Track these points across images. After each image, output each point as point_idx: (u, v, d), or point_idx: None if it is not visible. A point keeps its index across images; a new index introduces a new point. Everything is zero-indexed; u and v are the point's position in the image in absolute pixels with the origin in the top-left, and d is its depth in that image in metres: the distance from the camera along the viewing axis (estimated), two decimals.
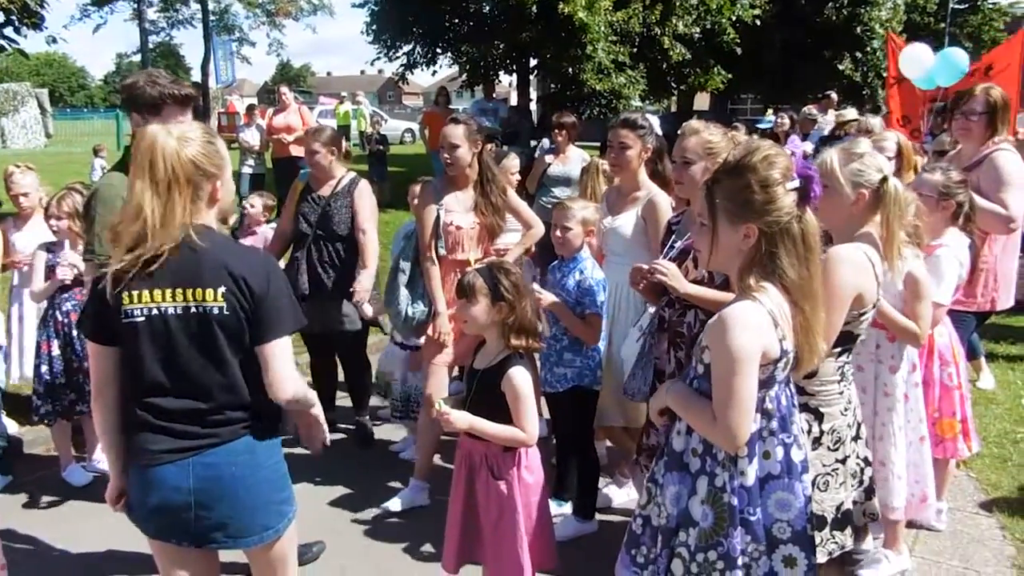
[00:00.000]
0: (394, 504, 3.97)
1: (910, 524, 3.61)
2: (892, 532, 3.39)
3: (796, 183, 2.07)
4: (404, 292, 4.03)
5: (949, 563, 3.51)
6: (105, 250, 2.81)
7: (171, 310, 2.13)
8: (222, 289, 2.14)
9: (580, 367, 3.57)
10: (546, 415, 3.79)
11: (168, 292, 2.12)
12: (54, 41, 15.25)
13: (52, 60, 77.60)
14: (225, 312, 2.14)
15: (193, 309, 2.14)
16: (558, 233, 3.58)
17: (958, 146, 4.59)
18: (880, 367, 3.19)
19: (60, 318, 4.19)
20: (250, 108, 14.51)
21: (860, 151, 2.74)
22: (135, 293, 2.12)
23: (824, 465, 2.61)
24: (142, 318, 2.13)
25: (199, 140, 2.17)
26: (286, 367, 2.24)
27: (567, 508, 3.84)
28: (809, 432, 2.59)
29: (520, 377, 2.70)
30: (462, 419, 2.69)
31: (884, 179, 2.61)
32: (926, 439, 3.37)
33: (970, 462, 4.36)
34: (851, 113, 8.85)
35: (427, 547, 3.65)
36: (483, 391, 2.77)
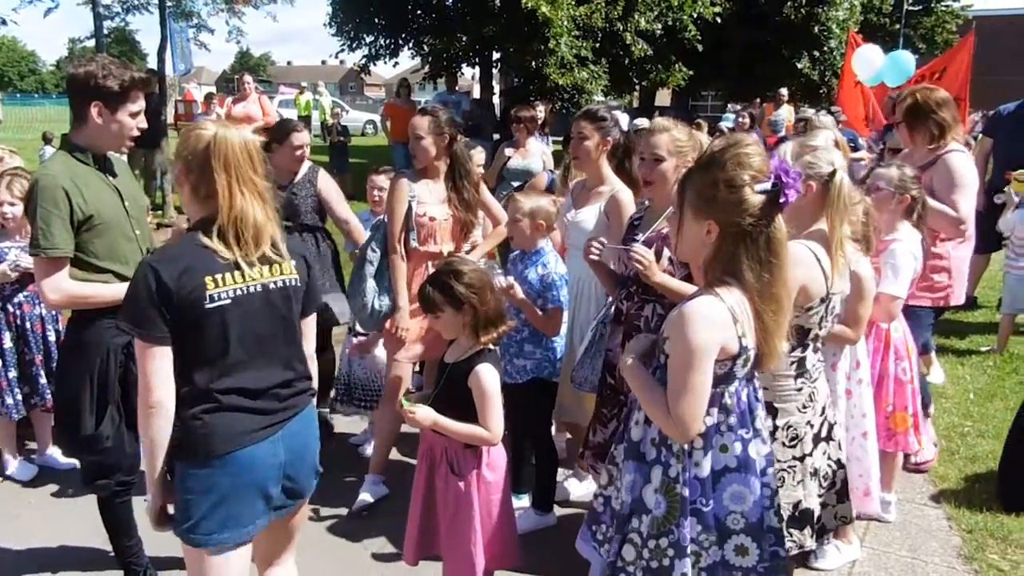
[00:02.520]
0: (363, 502, 3.91)
1: (859, 516, 3.69)
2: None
3: (766, 185, 2.06)
4: (371, 284, 3.93)
5: (898, 553, 3.60)
6: (51, 243, 2.75)
7: (253, 288, 2.22)
8: (294, 262, 2.33)
9: (540, 359, 3.59)
10: None
11: (245, 272, 2.21)
12: (3, 24, 14.82)
13: (1, 44, 75.53)
14: (298, 284, 2.33)
15: (272, 284, 2.26)
16: (509, 225, 3.61)
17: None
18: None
19: (12, 310, 4.09)
20: (208, 96, 14.27)
21: (814, 144, 2.80)
22: (219, 277, 2.16)
23: (779, 461, 2.64)
24: (228, 300, 2.17)
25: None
26: (314, 337, 2.50)
27: (525, 501, 3.86)
28: None
29: (487, 375, 2.70)
30: (427, 417, 2.68)
31: (833, 172, 2.65)
32: (869, 434, 3.44)
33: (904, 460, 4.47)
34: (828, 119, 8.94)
35: (383, 541, 3.65)
36: (450, 385, 2.76)
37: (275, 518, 2.36)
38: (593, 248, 3.15)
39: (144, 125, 2.96)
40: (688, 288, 2.88)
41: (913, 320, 4.21)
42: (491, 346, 2.78)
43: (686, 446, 2.17)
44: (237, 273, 2.18)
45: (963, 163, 4.20)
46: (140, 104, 2.90)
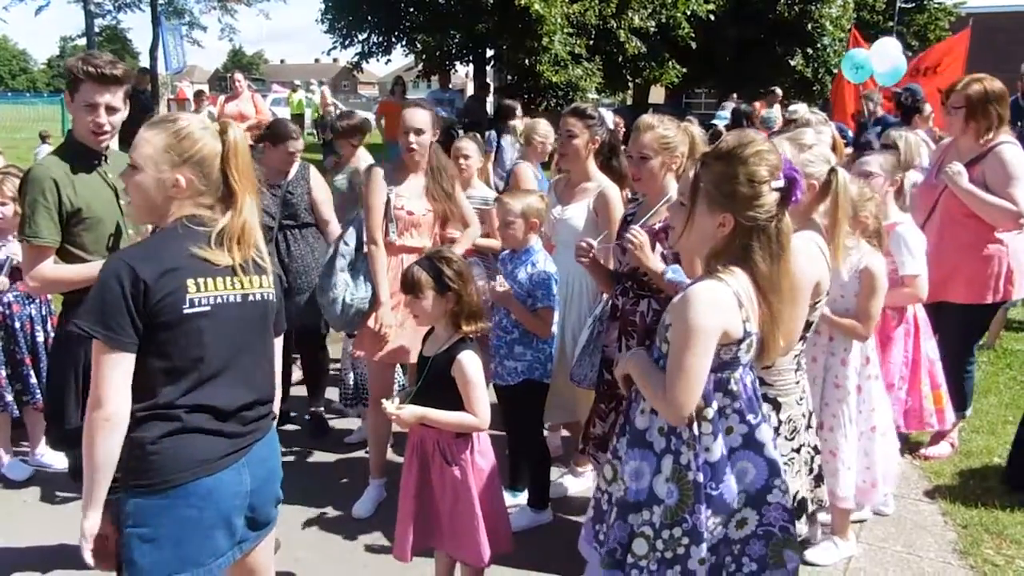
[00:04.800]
0: (361, 510, 3.88)
1: (862, 507, 3.70)
2: (841, 520, 3.47)
3: (781, 183, 2.09)
4: (342, 277, 3.76)
5: (893, 548, 3.60)
6: (33, 231, 2.77)
7: (232, 298, 2.07)
8: (271, 277, 2.19)
9: (531, 360, 3.56)
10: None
11: (228, 279, 2.06)
12: None
13: None
14: (273, 298, 2.20)
15: (251, 297, 2.11)
16: (501, 228, 3.59)
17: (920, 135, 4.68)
18: (832, 359, 3.25)
19: (2, 309, 4.07)
20: (198, 94, 14.18)
21: (809, 142, 2.79)
22: (201, 281, 2.00)
23: (781, 455, 2.65)
24: (208, 307, 2.01)
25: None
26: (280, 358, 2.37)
27: (522, 499, 3.85)
28: (768, 422, 2.63)
29: (470, 362, 2.72)
30: (412, 414, 2.70)
31: (832, 170, 2.65)
32: (878, 428, 3.44)
33: (914, 449, 4.49)
34: (802, 109, 8.99)
35: (378, 536, 3.64)
36: (433, 377, 2.77)
37: (238, 554, 2.18)
38: (580, 249, 3.17)
39: (102, 121, 2.83)
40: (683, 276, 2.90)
41: (972, 321, 4.26)
42: (470, 337, 2.80)
43: (696, 432, 2.16)
44: (219, 279, 2.04)
45: (1016, 155, 4.08)
46: (92, 98, 2.79)
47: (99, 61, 2.80)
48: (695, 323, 2.04)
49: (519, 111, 9.08)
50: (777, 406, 2.66)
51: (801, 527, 2.72)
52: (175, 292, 1.95)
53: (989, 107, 4.09)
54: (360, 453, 4.58)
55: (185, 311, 1.97)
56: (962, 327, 4.25)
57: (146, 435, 1.96)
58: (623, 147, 4.05)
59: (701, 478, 2.16)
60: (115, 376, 1.91)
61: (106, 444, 1.91)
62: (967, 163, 4.11)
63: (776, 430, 2.65)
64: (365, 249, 3.81)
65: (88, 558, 2.03)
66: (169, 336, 1.96)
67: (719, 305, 2.06)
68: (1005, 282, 4.22)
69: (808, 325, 2.67)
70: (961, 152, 4.23)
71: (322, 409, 4.89)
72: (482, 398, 2.74)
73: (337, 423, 4.95)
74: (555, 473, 4.03)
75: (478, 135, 5.19)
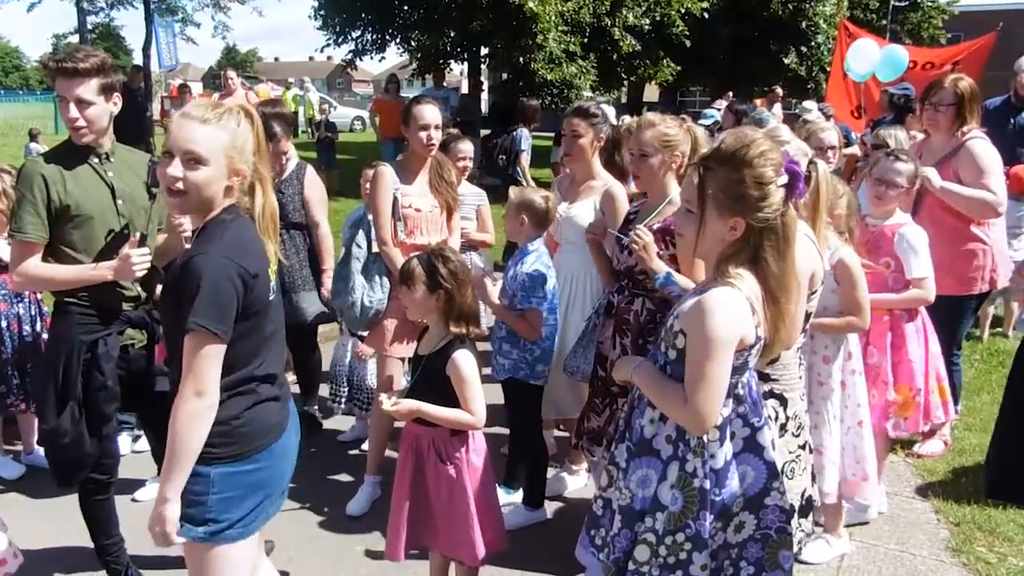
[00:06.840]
0: (355, 508, 3.88)
1: (851, 502, 3.70)
2: (832, 517, 3.48)
3: (785, 179, 2.08)
4: (360, 280, 3.83)
5: (887, 547, 3.61)
6: (17, 226, 2.76)
7: (271, 274, 2.23)
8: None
9: (516, 359, 3.54)
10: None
11: (272, 261, 2.23)
12: None
13: None
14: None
15: (272, 269, 2.26)
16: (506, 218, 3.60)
17: (917, 137, 4.70)
18: (814, 357, 3.25)
19: None
20: (182, 88, 14.02)
21: (785, 138, 2.81)
22: (270, 266, 2.20)
23: (790, 452, 2.64)
24: (275, 290, 2.22)
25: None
26: None
27: (517, 497, 3.85)
28: (776, 419, 2.62)
29: (464, 360, 2.71)
30: (409, 408, 2.69)
31: (812, 162, 2.65)
32: (865, 423, 3.45)
33: (907, 447, 4.50)
34: (814, 108, 8.91)
35: (374, 535, 3.63)
36: (428, 376, 2.77)
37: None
38: (593, 227, 3.16)
39: (73, 115, 2.77)
40: (683, 281, 2.89)
41: (960, 312, 4.30)
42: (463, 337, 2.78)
43: (705, 438, 2.15)
44: (272, 262, 2.22)
45: (985, 147, 4.21)
46: (61, 91, 2.76)
47: (64, 55, 2.78)
48: (715, 333, 2.02)
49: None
50: (784, 402, 2.65)
51: (807, 524, 2.73)
52: (266, 282, 2.15)
53: (975, 105, 4.26)
54: (353, 452, 4.58)
55: (269, 298, 2.18)
56: (950, 319, 4.28)
57: (232, 412, 2.12)
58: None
59: (708, 485, 2.15)
60: (215, 368, 2.03)
61: (205, 430, 2.03)
62: (940, 159, 4.22)
63: (784, 427, 2.65)
64: (376, 248, 3.84)
65: (176, 538, 2.12)
66: (258, 320, 2.14)
67: (737, 313, 2.04)
68: (990, 272, 4.33)
69: (807, 317, 2.68)
70: (933, 149, 4.35)
71: (315, 408, 4.88)
72: (477, 396, 2.72)
73: (330, 422, 4.94)
74: (550, 471, 4.03)
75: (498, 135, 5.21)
